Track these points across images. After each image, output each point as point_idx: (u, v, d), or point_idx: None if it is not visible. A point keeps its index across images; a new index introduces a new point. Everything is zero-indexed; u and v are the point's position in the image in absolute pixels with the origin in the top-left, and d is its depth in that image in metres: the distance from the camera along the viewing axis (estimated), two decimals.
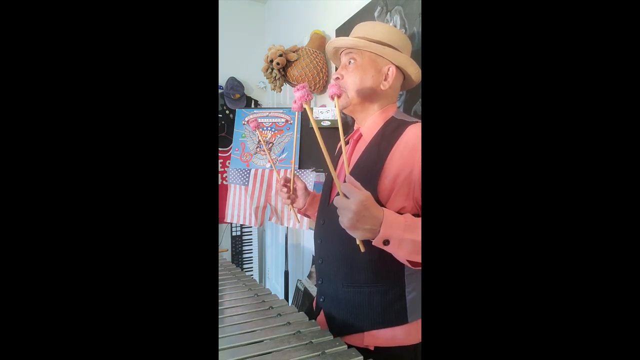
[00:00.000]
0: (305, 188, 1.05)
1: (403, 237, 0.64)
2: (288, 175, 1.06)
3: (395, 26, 1.30)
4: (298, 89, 0.68)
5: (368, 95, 0.83)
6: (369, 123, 0.84)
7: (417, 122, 0.79)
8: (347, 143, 0.91)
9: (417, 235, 0.65)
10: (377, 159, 0.78)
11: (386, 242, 0.65)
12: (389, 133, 0.79)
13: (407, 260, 0.68)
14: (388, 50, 0.81)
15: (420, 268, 0.71)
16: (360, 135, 0.86)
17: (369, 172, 0.78)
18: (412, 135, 0.75)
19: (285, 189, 1.04)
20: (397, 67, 0.83)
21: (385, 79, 0.82)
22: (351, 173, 0.81)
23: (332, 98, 0.71)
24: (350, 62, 0.83)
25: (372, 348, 0.77)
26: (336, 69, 0.89)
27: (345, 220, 0.64)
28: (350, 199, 0.63)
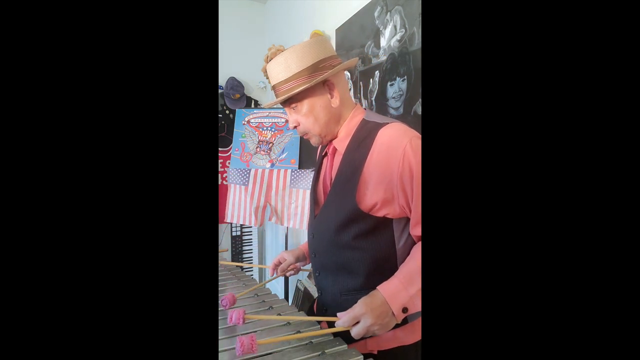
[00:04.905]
0: (292, 255, 1.01)
1: (410, 294, 0.64)
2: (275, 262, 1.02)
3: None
4: (231, 315, 0.69)
5: (330, 121, 0.80)
6: (341, 135, 0.81)
7: (390, 122, 0.76)
8: (325, 155, 0.87)
9: (418, 281, 0.64)
10: (353, 171, 0.75)
11: (405, 310, 0.65)
12: (362, 140, 0.76)
13: None
14: (314, 78, 0.75)
15: None
16: (335, 149, 0.83)
17: (345, 186, 0.75)
18: (385, 139, 0.72)
19: (280, 273, 1.01)
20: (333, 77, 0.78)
21: (332, 97, 0.78)
22: (331, 189, 0.80)
23: None
24: (293, 108, 0.80)
25: (375, 352, 0.77)
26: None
27: (377, 332, 0.64)
28: (361, 319, 0.64)
